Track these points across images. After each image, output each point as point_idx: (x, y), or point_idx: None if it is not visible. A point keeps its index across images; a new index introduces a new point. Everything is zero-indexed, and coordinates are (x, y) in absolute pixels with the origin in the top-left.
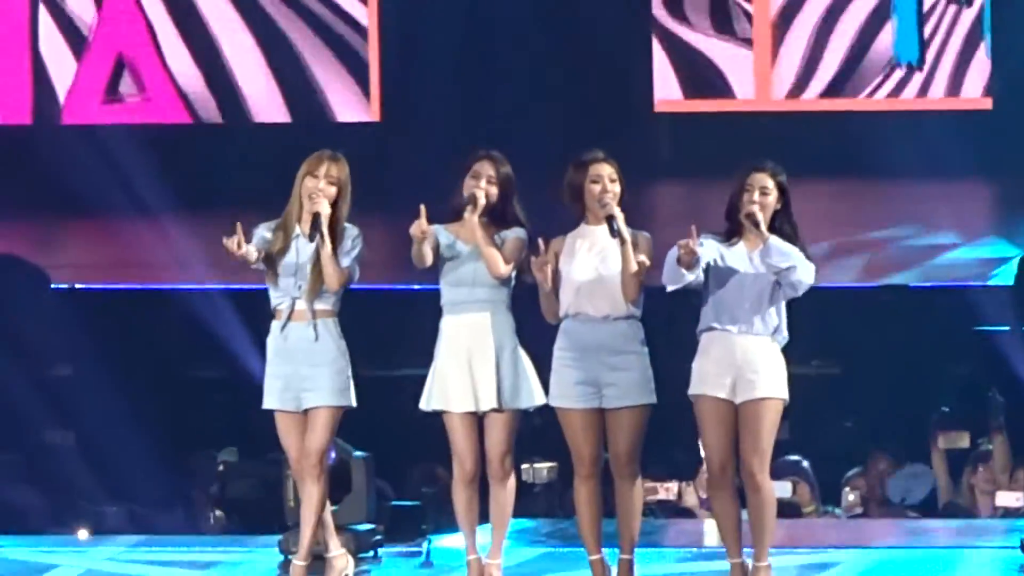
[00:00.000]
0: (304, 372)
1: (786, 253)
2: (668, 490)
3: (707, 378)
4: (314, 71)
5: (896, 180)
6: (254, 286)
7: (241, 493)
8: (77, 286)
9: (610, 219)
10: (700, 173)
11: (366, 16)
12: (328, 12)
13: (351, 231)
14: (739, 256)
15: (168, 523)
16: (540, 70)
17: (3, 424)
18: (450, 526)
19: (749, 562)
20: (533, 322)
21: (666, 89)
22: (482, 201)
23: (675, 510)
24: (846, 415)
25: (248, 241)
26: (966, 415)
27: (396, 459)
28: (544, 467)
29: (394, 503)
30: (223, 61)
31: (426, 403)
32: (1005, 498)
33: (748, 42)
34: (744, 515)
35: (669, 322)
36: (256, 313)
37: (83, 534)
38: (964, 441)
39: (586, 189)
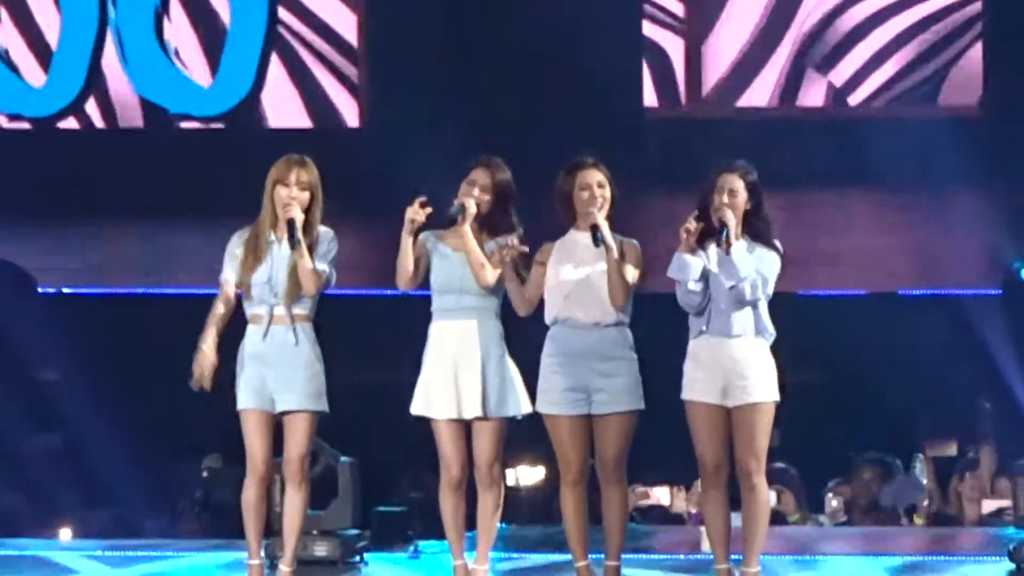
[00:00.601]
0: (280, 375)
1: (736, 269)
2: (658, 496)
3: (697, 383)
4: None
5: (888, 187)
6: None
7: (225, 499)
8: (64, 290)
9: (594, 228)
10: (693, 179)
11: (354, 28)
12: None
13: (326, 234)
14: (715, 259)
15: (152, 528)
16: (535, 72)
17: None
18: (437, 532)
19: (736, 572)
20: (521, 329)
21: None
22: (472, 210)
23: (665, 516)
24: (831, 423)
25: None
26: (953, 423)
27: (385, 464)
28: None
29: (381, 508)
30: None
31: (413, 409)
32: (991, 506)
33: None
34: (735, 521)
35: (659, 328)
36: (244, 319)
37: (65, 534)
38: (951, 449)
39: (575, 196)
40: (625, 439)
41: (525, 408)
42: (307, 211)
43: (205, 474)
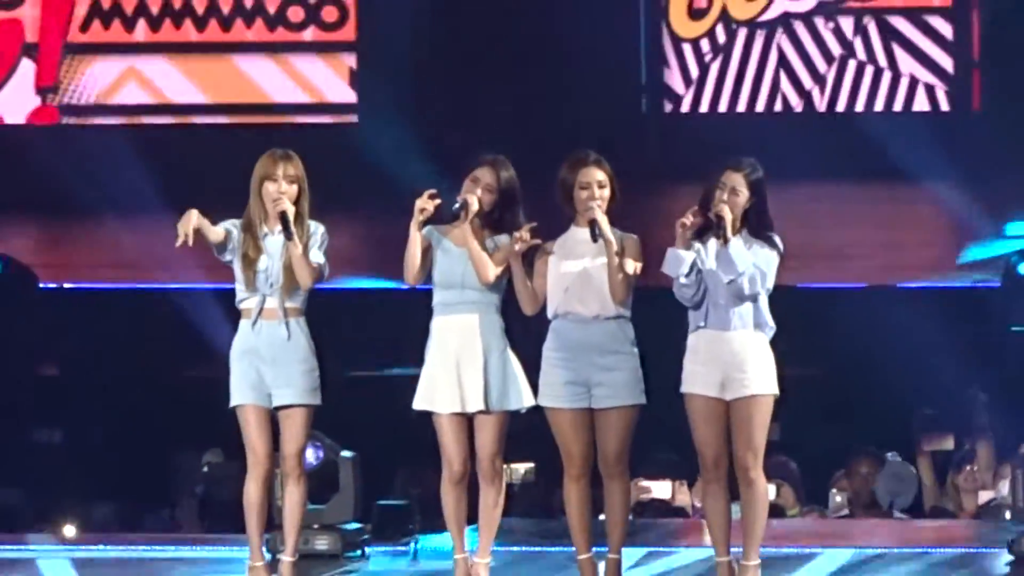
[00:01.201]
0: (275, 370)
1: (734, 264)
2: (660, 489)
3: (696, 377)
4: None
5: (886, 182)
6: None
7: (226, 494)
8: (65, 285)
9: (592, 223)
10: (696, 175)
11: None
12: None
13: (316, 228)
14: (713, 254)
15: (153, 522)
16: (535, 72)
17: None
18: (438, 525)
19: (736, 564)
20: (523, 324)
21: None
22: (474, 207)
23: (667, 510)
24: (831, 416)
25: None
26: (950, 416)
27: (386, 459)
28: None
29: (382, 502)
30: None
31: (416, 404)
32: (989, 497)
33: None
34: (735, 514)
35: (660, 322)
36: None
37: (69, 531)
38: (948, 443)
39: (575, 194)
40: (626, 433)
41: (527, 401)
42: (295, 204)
43: (206, 469)
